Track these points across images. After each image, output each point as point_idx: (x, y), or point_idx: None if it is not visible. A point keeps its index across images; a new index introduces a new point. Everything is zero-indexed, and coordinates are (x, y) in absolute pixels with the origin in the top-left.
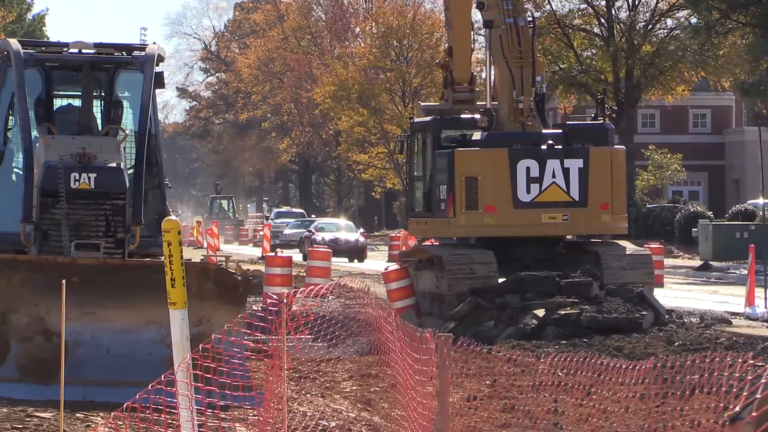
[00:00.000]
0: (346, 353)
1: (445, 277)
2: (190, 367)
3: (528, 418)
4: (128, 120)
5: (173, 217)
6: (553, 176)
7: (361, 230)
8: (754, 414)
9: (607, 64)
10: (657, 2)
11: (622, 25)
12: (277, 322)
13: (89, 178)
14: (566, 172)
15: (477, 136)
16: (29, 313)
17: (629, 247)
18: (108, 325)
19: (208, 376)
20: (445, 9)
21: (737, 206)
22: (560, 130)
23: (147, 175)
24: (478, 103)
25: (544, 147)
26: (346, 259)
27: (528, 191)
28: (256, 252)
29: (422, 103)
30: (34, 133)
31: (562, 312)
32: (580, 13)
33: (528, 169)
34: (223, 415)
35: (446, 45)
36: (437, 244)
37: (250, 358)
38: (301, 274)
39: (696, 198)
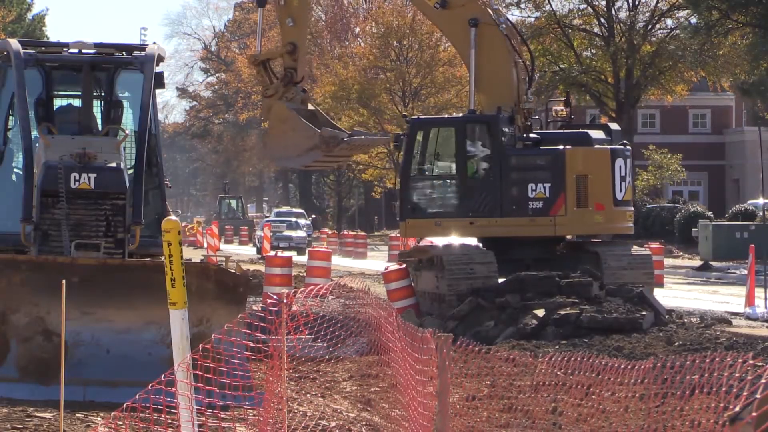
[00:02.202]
0: (346, 353)
1: (445, 277)
2: (190, 367)
3: (527, 418)
4: (128, 120)
5: (173, 217)
6: (630, 175)
7: None
8: (754, 414)
9: (607, 64)
10: (657, 2)
11: (622, 25)
12: (277, 322)
13: (89, 178)
14: (631, 171)
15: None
16: (29, 313)
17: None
18: (108, 325)
19: (208, 376)
20: (283, 4)
21: (737, 206)
22: (601, 130)
23: (147, 175)
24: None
25: (620, 146)
26: None
27: (621, 189)
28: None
29: (286, 103)
30: (34, 133)
31: (562, 312)
32: (580, 13)
33: (620, 168)
34: (223, 415)
35: (280, 42)
36: (437, 243)
37: (250, 358)
38: (301, 274)
39: (696, 198)
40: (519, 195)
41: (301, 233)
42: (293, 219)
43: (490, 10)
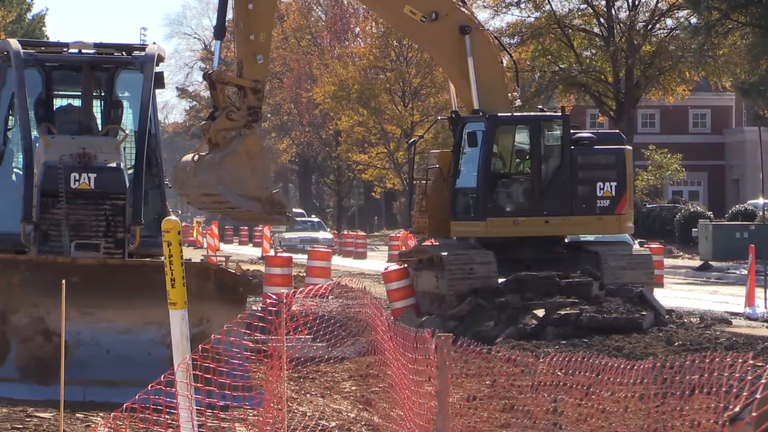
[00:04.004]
0: (345, 353)
1: (445, 277)
2: (190, 367)
3: (528, 419)
4: (128, 120)
5: (173, 217)
6: None
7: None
8: (754, 414)
9: (607, 64)
10: (657, 2)
11: (622, 25)
12: (277, 322)
13: (89, 178)
14: None
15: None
16: (29, 313)
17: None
18: (108, 325)
19: (208, 376)
20: (252, 39)
21: (737, 206)
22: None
23: (147, 175)
24: None
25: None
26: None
27: None
28: (256, 252)
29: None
30: (34, 133)
31: (562, 312)
32: (580, 13)
33: None
34: (223, 415)
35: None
36: (437, 243)
37: (250, 358)
38: (301, 274)
39: (696, 198)
40: (588, 193)
41: (327, 234)
42: (315, 219)
43: (471, 16)
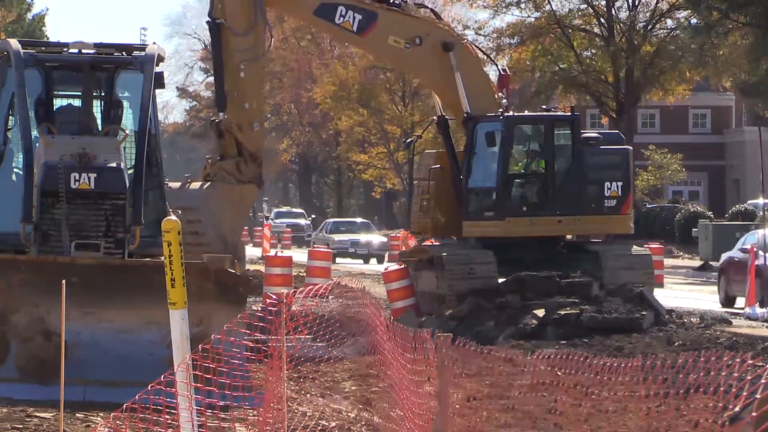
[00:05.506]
0: (345, 353)
1: (445, 277)
2: (190, 367)
3: (528, 419)
4: (128, 120)
5: (173, 217)
6: None
7: None
8: (754, 414)
9: (607, 64)
10: (657, 2)
11: (622, 25)
12: (277, 322)
13: (89, 178)
14: None
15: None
16: (29, 313)
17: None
18: (108, 325)
19: (208, 376)
20: (247, 108)
21: (737, 206)
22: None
23: (147, 175)
24: None
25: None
26: None
27: None
28: (257, 252)
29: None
30: (34, 133)
31: (562, 312)
32: (580, 13)
33: None
34: (223, 415)
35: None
36: (437, 244)
37: (250, 358)
38: (301, 274)
39: (696, 198)
40: (597, 193)
41: (380, 237)
42: (359, 220)
43: (451, 31)
